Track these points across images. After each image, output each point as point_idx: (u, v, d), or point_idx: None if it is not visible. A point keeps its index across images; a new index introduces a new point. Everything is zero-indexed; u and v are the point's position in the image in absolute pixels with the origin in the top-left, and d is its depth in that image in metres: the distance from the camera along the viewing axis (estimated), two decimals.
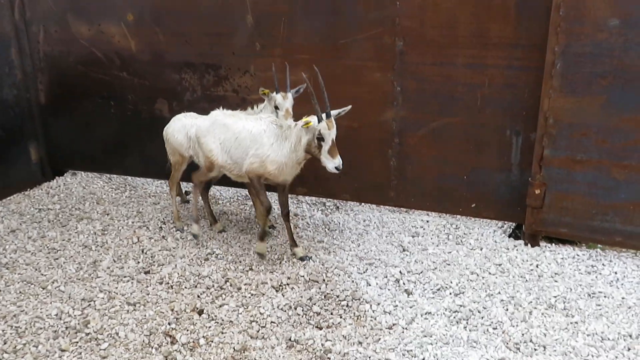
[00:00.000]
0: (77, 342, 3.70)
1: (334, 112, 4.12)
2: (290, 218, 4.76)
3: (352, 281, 4.32)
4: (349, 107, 4.21)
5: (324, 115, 4.05)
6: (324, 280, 4.34)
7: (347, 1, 4.86)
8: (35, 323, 3.90)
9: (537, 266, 4.47)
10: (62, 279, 4.45)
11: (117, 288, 4.31)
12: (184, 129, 5.03)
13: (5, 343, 3.69)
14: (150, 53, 5.69)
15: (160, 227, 5.30)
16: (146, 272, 4.52)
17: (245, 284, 4.31)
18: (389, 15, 4.76)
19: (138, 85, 5.87)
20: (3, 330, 3.82)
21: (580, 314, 3.86)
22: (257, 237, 4.75)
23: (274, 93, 4.69)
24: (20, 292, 4.28)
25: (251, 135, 4.42)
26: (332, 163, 4.08)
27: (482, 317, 3.85)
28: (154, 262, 4.68)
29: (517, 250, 4.72)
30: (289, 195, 4.80)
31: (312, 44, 5.09)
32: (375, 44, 4.88)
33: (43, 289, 4.33)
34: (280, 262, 4.63)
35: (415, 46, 4.77)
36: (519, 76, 4.53)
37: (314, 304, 4.04)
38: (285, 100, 4.66)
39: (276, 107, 4.68)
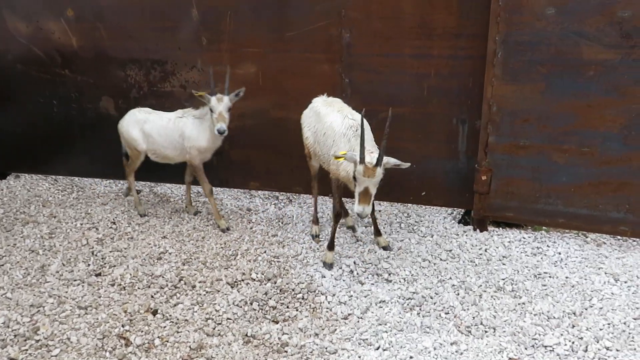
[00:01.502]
0: (27, 350, 3.59)
1: (386, 160, 3.72)
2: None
3: (307, 274, 4.35)
4: (407, 164, 3.89)
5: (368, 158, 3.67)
6: (279, 274, 4.35)
7: None
8: None
9: (485, 250, 4.60)
10: (8, 286, 4.30)
11: (67, 292, 4.20)
12: (137, 124, 5.06)
13: None
14: (92, 50, 5.54)
15: (111, 228, 5.18)
16: (97, 275, 4.43)
17: (199, 282, 4.28)
18: (335, 7, 4.78)
19: (81, 83, 5.70)
20: None
21: (527, 295, 4.00)
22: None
23: (210, 95, 4.58)
24: None
25: (334, 134, 4.12)
26: (355, 206, 3.74)
27: (435, 303, 3.94)
28: (105, 263, 4.59)
29: (466, 235, 4.84)
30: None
31: (259, 37, 5.06)
32: (322, 36, 4.90)
33: None
34: (234, 258, 4.61)
35: (362, 38, 4.81)
36: (464, 65, 4.63)
37: (270, 299, 4.04)
38: (220, 103, 4.55)
39: (211, 110, 4.59)
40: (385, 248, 4.65)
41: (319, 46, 4.93)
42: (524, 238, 4.78)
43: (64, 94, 5.79)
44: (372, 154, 3.74)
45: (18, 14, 5.60)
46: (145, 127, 5.04)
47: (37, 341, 3.67)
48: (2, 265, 4.61)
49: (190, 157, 4.92)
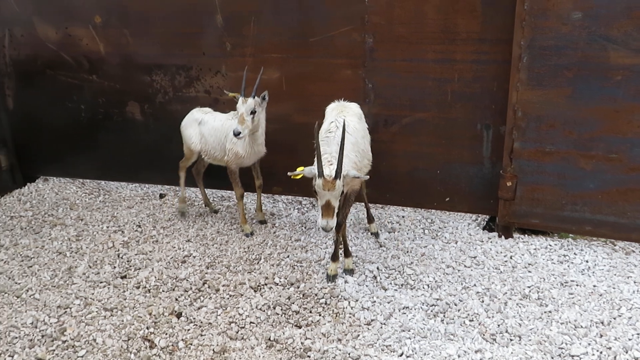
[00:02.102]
0: (54, 350, 3.66)
1: (346, 172, 3.67)
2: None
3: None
4: (367, 177, 3.91)
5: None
6: (302, 279, 4.35)
7: None
8: (10, 332, 3.84)
9: (511, 257, 4.55)
10: (36, 287, 4.39)
11: (93, 294, 4.27)
12: (194, 123, 5.11)
13: None
14: (119, 55, 5.63)
15: (136, 231, 5.25)
16: (123, 277, 4.49)
17: (223, 285, 4.31)
18: (358, 12, 4.79)
19: (108, 88, 5.80)
20: None
21: (554, 303, 3.94)
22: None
23: (240, 96, 4.50)
24: None
25: (321, 139, 3.96)
26: (318, 220, 3.69)
27: (459, 310, 3.91)
28: (130, 266, 4.65)
29: (491, 242, 4.80)
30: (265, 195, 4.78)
31: (282, 43, 5.09)
32: (345, 41, 4.91)
33: (17, 297, 4.27)
34: (258, 262, 4.63)
35: (385, 43, 4.81)
36: (488, 70, 4.60)
37: (293, 303, 4.05)
38: (243, 105, 4.43)
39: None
40: (351, 272, 4.38)
41: (341, 51, 4.94)
42: (550, 245, 4.71)
43: (91, 99, 5.90)
44: (331, 165, 3.68)
45: (48, 21, 5.73)
46: (200, 128, 5.06)
47: (64, 342, 3.73)
48: (31, 266, 4.70)
49: (227, 160, 4.90)
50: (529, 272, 4.33)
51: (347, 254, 4.44)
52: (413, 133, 5.01)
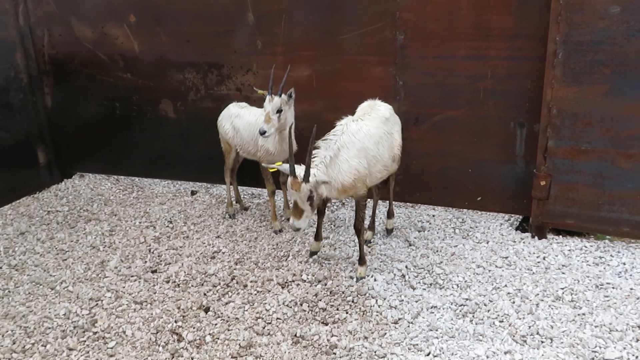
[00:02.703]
0: (85, 341, 3.73)
1: (315, 178, 3.74)
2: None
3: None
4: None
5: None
6: (329, 276, 4.34)
7: None
8: (44, 323, 3.94)
9: (544, 258, 4.44)
10: (70, 280, 4.49)
11: (124, 287, 4.34)
12: (230, 118, 5.10)
13: (14, 343, 3.73)
14: (153, 54, 5.73)
15: (167, 227, 5.32)
16: (153, 271, 4.55)
17: (251, 281, 4.32)
18: (389, 9, 4.75)
19: (142, 86, 5.90)
20: (12, 331, 3.86)
21: (588, 306, 3.83)
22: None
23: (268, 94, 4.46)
24: (29, 293, 4.33)
25: (362, 147, 4.06)
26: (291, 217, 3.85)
27: (489, 310, 3.83)
28: (160, 261, 4.71)
29: (523, 242, 4.69)
30: None
31: (313, 40, 5.09)
32: (376, 39, 4.88)
33: (52, 289, 4.37)
34: (286, 259, 4.63)
35: (416, 39, 4.76)
36: (521, 67, 4.51)
37: (320, 300, 4.04)
38: (269, 104, 4.38)
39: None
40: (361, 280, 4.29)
41: (372, 48, 4.91)
42: (585, 247, 4.58)
43: (125, 96, 6.01)
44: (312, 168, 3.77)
45: (84, 21, 5.86)
46: (235, 122, 5.04)
47: (95, 333, 3.80)
48: (66, 259, 4.81)
49: (260, 156, 4.90)
50: (563, 273, 4.22)
51: (362, 261, 4.32)
52: (444, 131, 4.95)
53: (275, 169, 3.97)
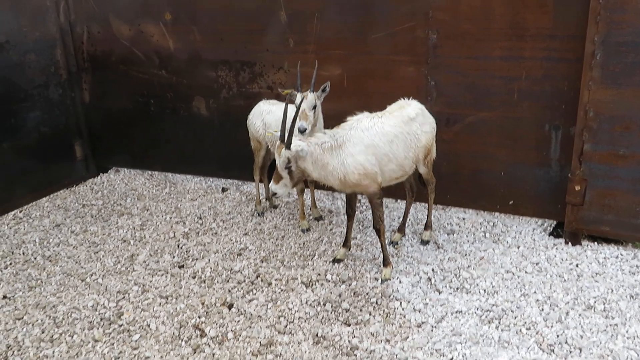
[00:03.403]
0: (110, 333, 3.79)
1: (296, 146, 3.88)
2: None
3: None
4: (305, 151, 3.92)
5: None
6: (354, 277, 4.30)
7: None
8: (72, 314, 4.03)
9: (577, 265, 4.30)
10: (100, 272, 4.58)
11: (151, 281, 4.40)
12: (260, 115, 5.06)
13: (43, 332, 3.83)
14: (187, 52, 5.80)
15: (197, 223, 5.38)
16: (180, 267, 4.60)
17: (275, 280, 4.33)
18: (422, 8, 4.68)
19: (176, 83, 5.98)
20: (42, 320, 3.96)
21: (621, 316, 3.68)
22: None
23: (296, 92, 4.41)
24: (60, 284, 4.43)
25: (371, 143, 4.13)
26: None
27: (515, 317, 3.73)
28: (188, 256, 4.76)
29: (556, 248, 4.55)
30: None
31: (344, 39, 5.06)
32: (408, 38, 4.82)
33: (82, 281, 4.47)
34: (312, 258, 4.62)
35: (449, 39, 4.68)
36: (558, 68, 4.38)
37: (343, 301, 4.01)
38: (304, 101, 4.29)
39: (297, 108, 4.37)
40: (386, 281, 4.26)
41: (404, 48, 4.86)
42: (621, 255, 4.42)
43: (160, 93, 6.10)
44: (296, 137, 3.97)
45: (122, 19, 5.98)
46: (267, 118, 4.97)
47: (120, 326, 3.86)
48: (97, 252, 4.92)
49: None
50: (596, 281, 4.07)
51: (386, 262, 4.29)
52: (477, 133, 4.85)
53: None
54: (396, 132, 4.12)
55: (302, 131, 4.33)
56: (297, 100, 4.41)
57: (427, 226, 4.81)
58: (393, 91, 4.87)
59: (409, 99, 4.44)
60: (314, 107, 4.39)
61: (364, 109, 5.14)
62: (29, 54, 5.91)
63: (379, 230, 4.23)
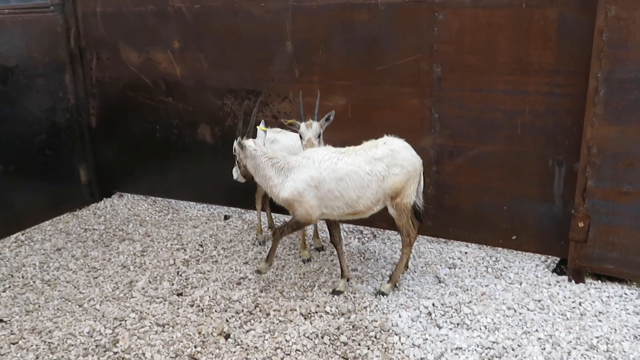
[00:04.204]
0: None
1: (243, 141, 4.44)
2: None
3: (383, 312, 4.21)
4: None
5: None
6: (353, 309, 4.24)
7: (385, 27, 4.85)
8: (68, 340, 3.99)
9: (580, 304, 4.22)
10: (98, 298, 4.55)
11: (149, 309, 4.36)
12: (267, 142, 4.98)
13: (37, 358, 3.81)
14: (194, 79, 5.85)
15: (197, 250, 5.35)
16: (179, 294, 4.56)
17: (274, 310, 4.28)
18: (427, 41, 4.71)
19: (182, 110, 6.02)
20: (37, 345, 3.94)
21: (624, 357, 3.60)
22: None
23: (300, 122, 4.49)
24: (57, 309, 4.41)
25: (319, 176, 4.29)
26: None
27: (516, 356, 3.65)
28: (187, 284, 4.72)
29: (559, 286, 4.48)
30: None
31: (349, 70, 5.09)
32: (412, 70, 4.83)
33: (79, 306, 4.44)
34: (311, 289, 4.57)
35: (454, 72, 4.69)
36: (561, 103, 4.37)
37: (342, 334, 3.95)
38: (309, 129, 4.41)
39: (300, 137, 4.50)
40: (338, 293, 4.46)
41: (408, 80, 4.87)
42: (625, 294, 4.34)
43: (166, 120, 6.14)
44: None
45: (131, 45, 6.06)
46: (272, 147, 4.97)
47: (115, 353, 3.82)
48: (96, 277, 4.90)
49: None
50: (599, 321, 3.99)
51: (343, 274, 4.52)
52: (479, 166, 4.82)
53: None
54: (349, 171, 4.13)
55: None
56: (301, 130, 4.46)
57: (392, 278, 4.49)
58: (397, 122, 4.89)
59: (394, 136, 4.35)
60: (319, 136, 4.47)
61: (368, 139, 5.16)
62: (39, 79, 5.99)
63: (274, 233, 4.55)
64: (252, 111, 4.53)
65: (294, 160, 4.27)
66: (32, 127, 5.96)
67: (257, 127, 4.71)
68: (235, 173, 4.60)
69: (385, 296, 4.40)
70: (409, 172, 4.19)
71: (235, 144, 4.45)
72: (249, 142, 4.40)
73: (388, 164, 4.16)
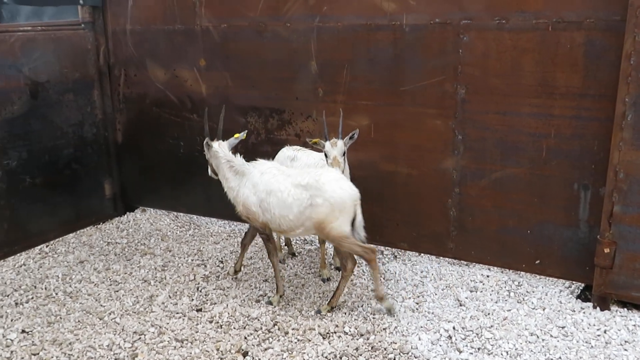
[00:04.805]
0: None
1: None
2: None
3: (402, 334, 4.16)
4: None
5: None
6: (373, 330, 4.20)
7: (409, 49, 4.87)
8: (87, 352, 4.02)
9: (605, 332, 4.13)
10: (119, 311, 4.58)
11: (168, 324, 4.37)
12: (286, 161, 5.02)
13: None
14: (218, 97, 5.92)
15: (218, 266, 5.37)
16: (198, 310, 4.57)
17: (293, 329, 4.25)
18: (451, 63, 4.72)
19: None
20: (57, 357, 3.97)
21: None
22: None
23: (324, 141, 4.52)
24: (78, 321, 4.45)
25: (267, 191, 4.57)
26: None
27: None
28: (207, 300, 4.73)
29: (583, 313, 4.39)
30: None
31: (373, 90, 5.11)
32: (436, 91, 4.84)
33: (100, 319, 4.47)
34: (331, 309, 4.54)
35: (478, 94, 4.68)
36: (588, 127, 4.32)
37: (360, 355, 3.91)
38: (334, 148, 4.44)
39: (325, 156, 4.53)
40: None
41: (432, 101, 4.87)
42: None
43: (190, 136, 6.21)
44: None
45: (158, 63, 6.17)
46: (293, 164, 4.98)
47: None
48: (117, 291, 4.93)
49: None
50: (625, 350, 3.90)
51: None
52: (503, 189, 4.78)
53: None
54: (274, 188, 4.38)
55: None
56: (326, 148, 4.50)
57: (331, 303, 4.54)
58: (420, 143, 4.89)
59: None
60: (344, 154, 4.52)
61: (391, 159, 5.19)
62: (68, 94, 6.12)
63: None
64: (220, 116, 4.82)
65: (246, 167, 4.58)
66: (60, 141, 6.07)
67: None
68: (209, 169, 4.85)
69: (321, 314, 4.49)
70: (331, 205, 4.17)
71: (204, 143, 4.71)
72: (214, 144, 4.65)
73: (313, 194, 4.22)
